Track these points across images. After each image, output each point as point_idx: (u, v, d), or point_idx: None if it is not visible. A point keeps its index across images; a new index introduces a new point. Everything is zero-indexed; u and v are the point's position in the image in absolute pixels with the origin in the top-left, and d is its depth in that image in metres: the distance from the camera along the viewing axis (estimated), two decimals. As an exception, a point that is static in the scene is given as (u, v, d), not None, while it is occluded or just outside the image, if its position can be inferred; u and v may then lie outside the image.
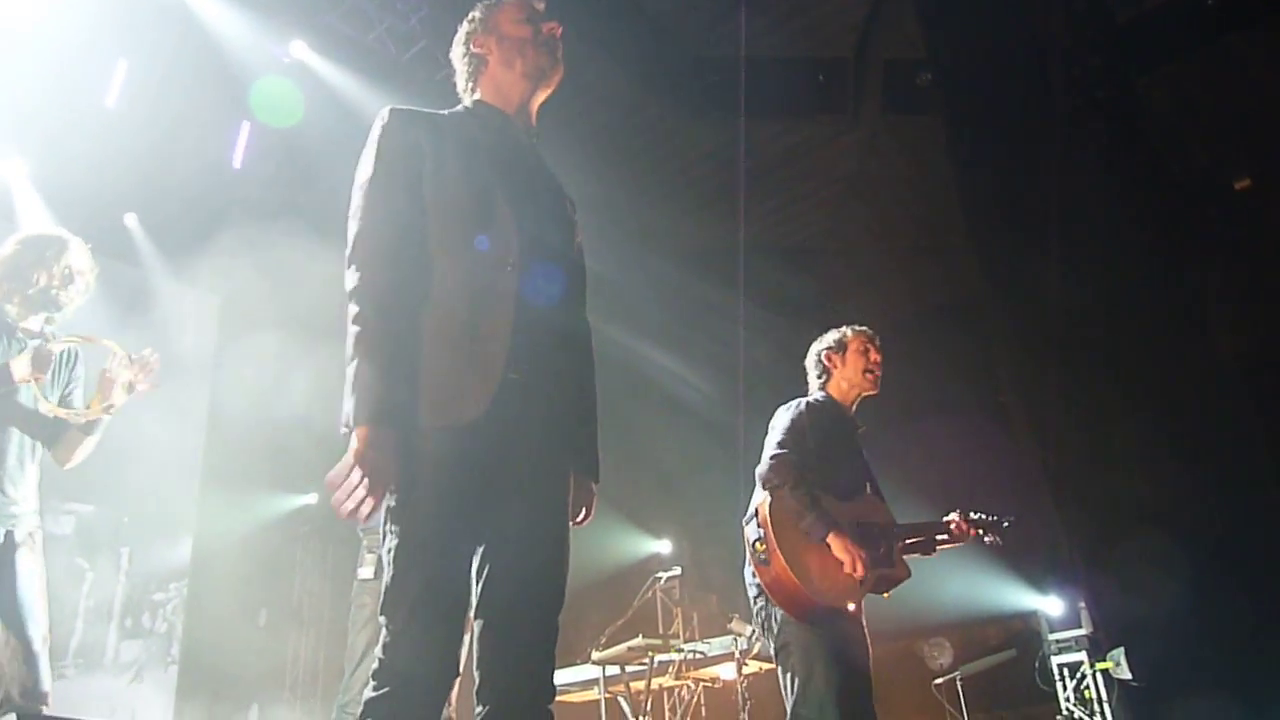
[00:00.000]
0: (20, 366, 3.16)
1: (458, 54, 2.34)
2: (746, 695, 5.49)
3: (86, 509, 5.72)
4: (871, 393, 3.72)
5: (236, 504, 6.79)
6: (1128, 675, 6.13)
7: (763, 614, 3.33)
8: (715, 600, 7.40)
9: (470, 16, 2.34)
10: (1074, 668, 6.56)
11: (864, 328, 3.80)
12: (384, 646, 1.86)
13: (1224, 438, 6.01)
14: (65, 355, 3.46)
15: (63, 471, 3.45)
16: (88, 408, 3.35)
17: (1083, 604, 6.73)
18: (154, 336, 6.12)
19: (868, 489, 3.60)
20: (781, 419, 3.49)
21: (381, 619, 1.87)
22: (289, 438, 6.53)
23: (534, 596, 1.99)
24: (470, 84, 2.31)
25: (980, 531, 3.71)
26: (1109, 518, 6.18)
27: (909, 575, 3.46)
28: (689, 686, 6.18)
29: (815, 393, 3.70)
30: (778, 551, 3.18)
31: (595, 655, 5.40)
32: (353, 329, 1.96)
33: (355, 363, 1.92)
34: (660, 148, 7.91)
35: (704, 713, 6.41)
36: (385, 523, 1.92)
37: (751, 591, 3.40)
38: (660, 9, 7.12)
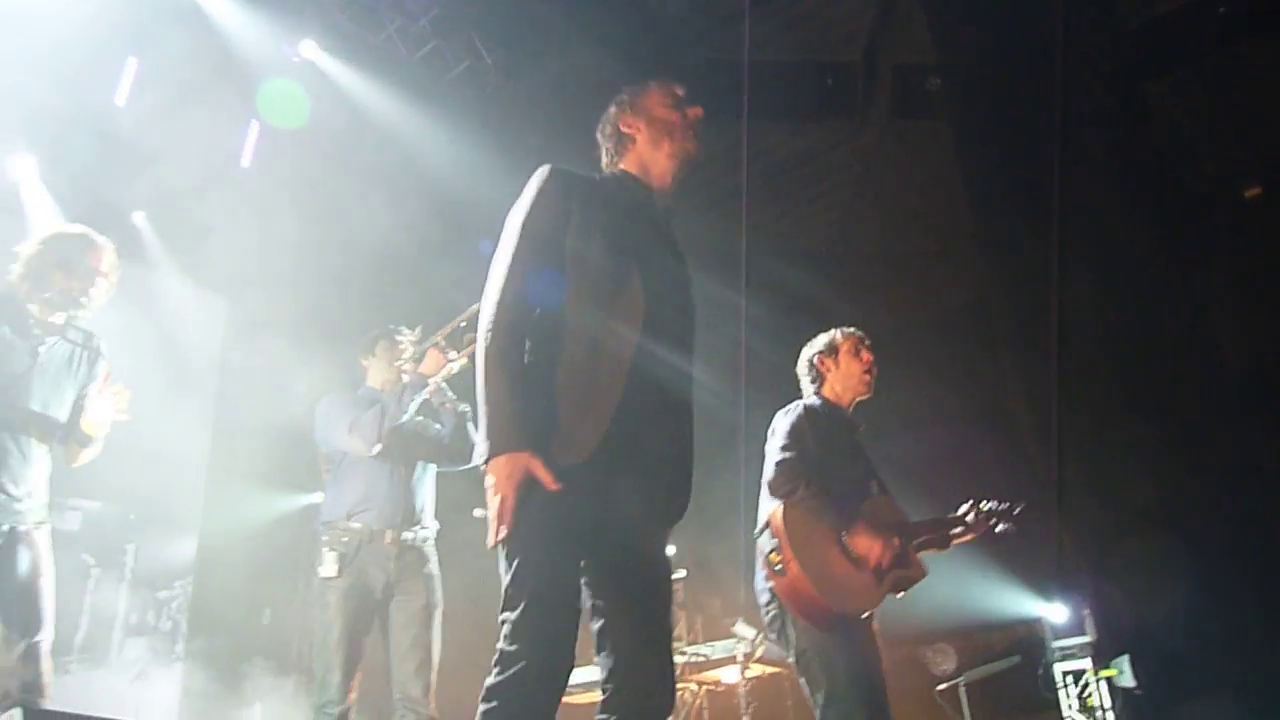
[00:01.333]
0: None
1: (605, 131, 2.55)
2: (749, 698, 5.49)
3: (93, 505, 5.74)
4: (866, 396, 3.71)
5: (242, 502, 6.80)
6: (1131, 683, 6.12)
7: (777, 622, 3.33)
8: (719, 603, 7.40)
9: (618, 99, 2.56)
10: (1077, 675, 6.53)
11: (854, 330, 3.80)
12: (505, 637, 2.06)
13: (1227, 444, 6.01)
14: (84, 354, 3.48)
15: (66, 469, 3.48)
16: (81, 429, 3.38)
17: (1087, 611, 6.71)
18: (161, 335, 6.16)
19: (875, 488, 3.58)
20: (781, 424, 3.49)
21: (504, 614, 2.08)
22: (295, 437, 6.54)
23: (655, 612, 2.22)
24: (615, 159, 2.52)
25: (994, 521, 3.71)
26: (1113, 523, 6.18)
27: (925, 574, 3.45)
28: (692, 690, 6.19)
29: (811, 397, 3.70)
30: (794, 560, 3.17)
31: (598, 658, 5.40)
32: (482, 379, 2.18)
33: (486, 409, 2.16)
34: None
35: (706, 716, 6.40)
36: (505, 544, 2.13)
37: (763, 599, 3.40)
38: (669, 11, 7.13)
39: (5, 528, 3.18)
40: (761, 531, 3.34)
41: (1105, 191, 6.33)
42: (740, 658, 5.50)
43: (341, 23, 6.49)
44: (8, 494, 3.20)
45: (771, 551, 3.24)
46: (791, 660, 3.34)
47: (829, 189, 8.61)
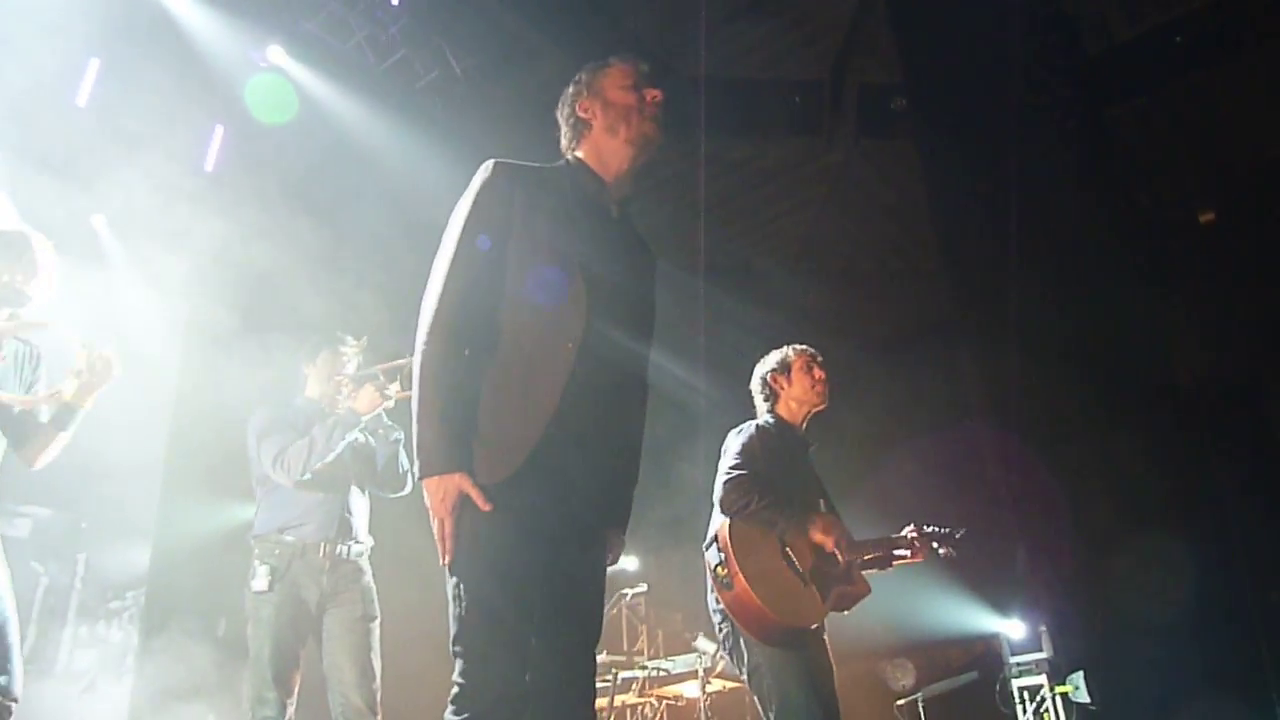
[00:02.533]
0: None
1: (563, 114, 2.41)
2: (710, 713, 5.48)
3: (44, 512, 5.62)
4: (821, 407, 3.76)
5: (197, 513, 6.68)
6: (1086, 699, 6.19)
7: (729, 640, 3.34)
8: (680, 618, 7.40)
9: (577, 78, 2.43)
10: (1034, 691, 6.61)
11: (805, 347, 3.85)
12: (460, 674, 1.99)
13: (1184, 461, 6.12)
14: (26, 352, 3.40)
15: (17, 474, 3.37)
16: (67, 402, 3.28)
17: (1043, 627, 6.79)
18: (118, 340, 6.04)
19: (822, 506, 3.62)
20: (733, 444, 3.53)
21: (456, 647, 2.01)
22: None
23: (577, 632, 2.16)
24: (573, 144, 2.39)
25: (935, 545, 3.75)
26: (1071, 540, 6.25)
27: (869, 591, 3.47)
28: (652, 704, 6.17)
29: (764, 415, 3.74)
30: (739, 574, 3.18)
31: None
32: (415, 389, 2.10)
33: (416, 424, 2.07)
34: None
35: (666, 730, 6.39)
36: (450, 569, 2.07)
37: (716, 617, 3.41)
38: (635, 26, 7.16)
39: None
40: (709, 546, 3.36)
41: (1066, 213, 6.43)
42: (701, 672, 5.50)
43: (309, 29, 6.44)
44: None
45: (718, 565, 3.25)
46: (744, 677, 3.35)
47: (794, 206, 8.68)
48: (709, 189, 8.10)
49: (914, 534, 3.74)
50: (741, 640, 3.27)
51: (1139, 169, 7.69)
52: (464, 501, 2.03)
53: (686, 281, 7.70)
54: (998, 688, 6.80)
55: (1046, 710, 6.45)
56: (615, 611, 6.20)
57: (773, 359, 3.81)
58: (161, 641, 5.87)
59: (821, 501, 3.64)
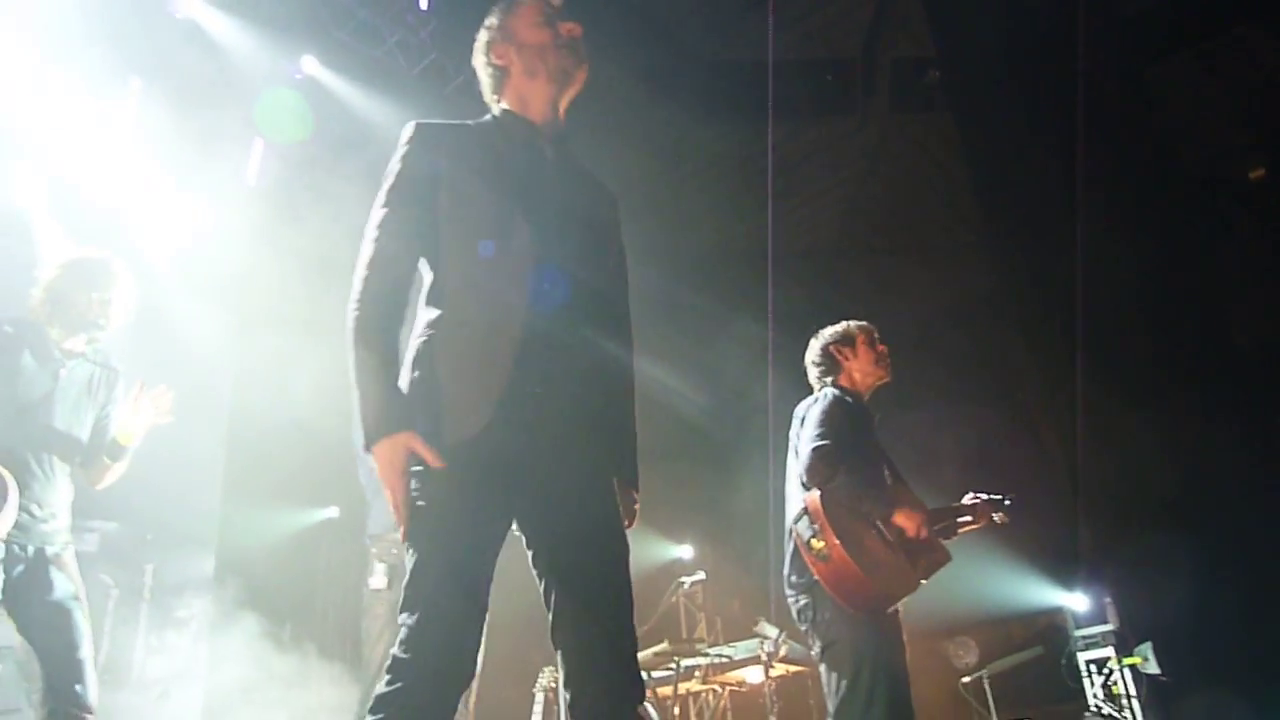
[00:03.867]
0: None
1: (479, 63, 2.30)
2: (774, 698, 5.46)
3: (110, 526, 5.73)
4: (886, 380, 3.76)
5: (258, 519, 6.81)
6: (1156, 670, 6.09)
7: (809, 612, 3.34)
8: (738, 604, 7.39)
9: (487, 23, 2.31)
10: (1101, 663, 6.51)
11: (864, 323, 3.85)
12: (400, 643, 1.88)
13: (1243, 428, 5.98)
14: (104, 375, 3.51)
15: (83, 491, 3.50)
16: (114, 438, 3.41)
17: (1108, 599, 6.68)
18: (175, 353, 6.15)
19: (888, 477, 3.62)
20: (813, 413, 3.51)
21: (401, 617, 1.90)
22: (309, 452, 6.54)
23: (595, 556, 2.01)
24: (495, 95, 2.28)
25: (992, 511, 3.75)
26: (1131, 511, 6.15)
27: (950, 558, 3.48)
28: (715, 691, 6.16)
29: (829, 387, 3.71)
30: (838, 544, 3.18)
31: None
32: (350, 359, 2.00)
33: (356, 395, 1.98)
34: (667, 152, 7.92)
35: (730, 717, 6.38)
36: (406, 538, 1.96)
37: (794, 591, 3.42)
38: (666, 12, 7.13)
39: (31, 550, 3.20)
40: (799, 519, 3.34)
41: (1109, 177, 6.31)
42: (764, 657, 5.47)
43: (341, 38, 6.50)
44: (33, 515, 3.22)
45: (813, 537, 3.24)
46: (817, 651, 3.35)
47: (831, 186, 8.61)
48: (741, 175, 8.07)
49: (975, 500, 3.75)
50: (826, 614, 3.27)
51: (1182, 128, 7.51)
52: (418, 466, 1.93)
53: (744, 269, 7.67)
54: (1064, 661, 6.71)
55: (1115, 682, 6.35)
56: (674, 600, 6.18)
57: (834, 331, 3.81)
58: (230, 646, 5.98)
59: (887, 471, 3.64)
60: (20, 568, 3.17)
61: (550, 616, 2.01)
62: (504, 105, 2.26)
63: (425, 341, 2.05)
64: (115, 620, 5.62)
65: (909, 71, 7.71)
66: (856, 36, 7.47)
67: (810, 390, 3.77)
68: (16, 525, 3.14)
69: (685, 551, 8.12)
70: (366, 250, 2.06)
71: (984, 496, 3.77)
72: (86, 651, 3.18)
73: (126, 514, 5.77)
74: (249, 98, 6.38)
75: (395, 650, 1.89)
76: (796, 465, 3.50)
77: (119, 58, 5.83)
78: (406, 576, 1.93)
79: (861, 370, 3.71)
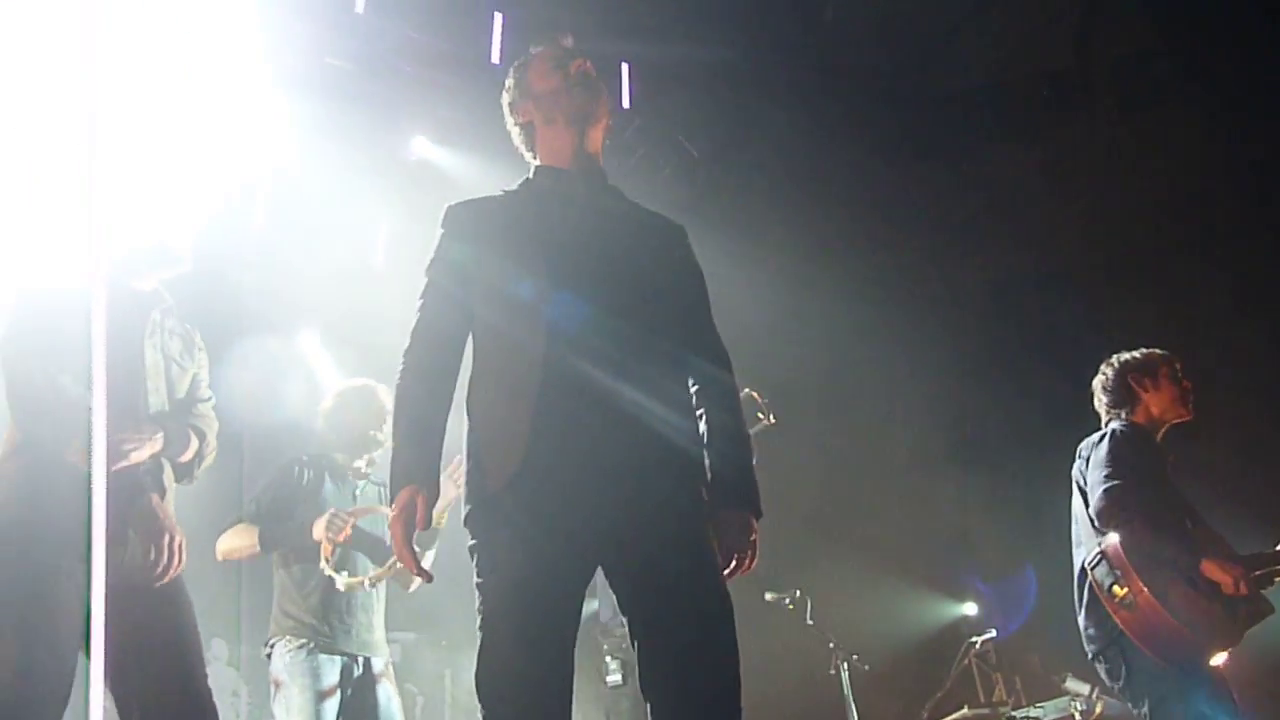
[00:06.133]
0: (317, 529, 3.49)
1: (508, 127, 2.38)
2: (1098, 760, 4.98)
3: (409, 636, 6.13)
4: (1186, 419, 3.45)
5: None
6: None
7: (1119, 669, 3.06)
8: (1037, 659, 6.85)
9: (506, 85, 2.37)
10: None
11: (1165, 351, 3.53)
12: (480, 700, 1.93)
13: None
14: (387, 493, 3.83)
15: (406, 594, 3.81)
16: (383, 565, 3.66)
17: None
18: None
19: (1188, 524, 3.30)
20: (1101, 449, 3.26)
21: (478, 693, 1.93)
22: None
23: (678, 607, 1.93)
24: (529, 151, 2.34)
25: None
26: None
27: (1273, 610, 3.11)
28: (1028, 757, 5.70)
29: (1119, 420, 3.43)
30: (1144, 590, 2.93)
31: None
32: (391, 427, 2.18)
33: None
34: (876, 191, 7.74)
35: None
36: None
37: (1097, 644, 3.16)
38: (849, 59, 7.05)
39: (361, 659, 3.48)
40: (1096, 564, 3.08)
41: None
42: (1077, 716, 5.02)
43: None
44: (365, 627, 3.52)
45: (1114, 584, 2.98)
46: (1144, 713, 3.03)
47: (1066, 202, 8.11)
48: (961, 208, 7.79)
49: None
50: (1139, 668, 2.98)
51: None
52: (474, 522, 2.02)
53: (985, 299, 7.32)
54: None
55: None
56: (966, 663, 5.83)
57: (1134, 359, 3.52)
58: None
59: (1188, 520, 3.31)
60: (354, 683, 3.44)
61: (637, 669, 1.96)
62: (536, 161, 2.32)
63: (466, 396, 2.15)
64: (424, 728, 5.96)
65: (1131, 69, 7.24)
66: (1067, 43, 7.10)
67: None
68: (351, 638, 3.43)
69: (969, 609, 7.68)
70: (412, 322, 2.20)
71: None
72: None
73: (423, 623, 6.14)
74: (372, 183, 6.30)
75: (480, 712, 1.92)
76: (1083, 506, 3.26)
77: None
78: (478, 644, 1.96)
79: (1160, 405, 3.43)
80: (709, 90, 6.82)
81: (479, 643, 1.97)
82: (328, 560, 3.45)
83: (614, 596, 2.04)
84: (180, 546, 2.44)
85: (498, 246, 2.17)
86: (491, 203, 2.28)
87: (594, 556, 2.02)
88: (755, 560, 2.13)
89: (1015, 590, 7.09)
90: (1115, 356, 3.56)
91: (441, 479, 3.55)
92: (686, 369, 2.23)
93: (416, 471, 2.05)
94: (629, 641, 2.02)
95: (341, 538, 3.44)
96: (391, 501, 2.05)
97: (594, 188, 2.26)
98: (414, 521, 2.00)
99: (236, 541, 3.66)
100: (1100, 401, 3.54)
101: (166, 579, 2.42)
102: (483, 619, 1.97)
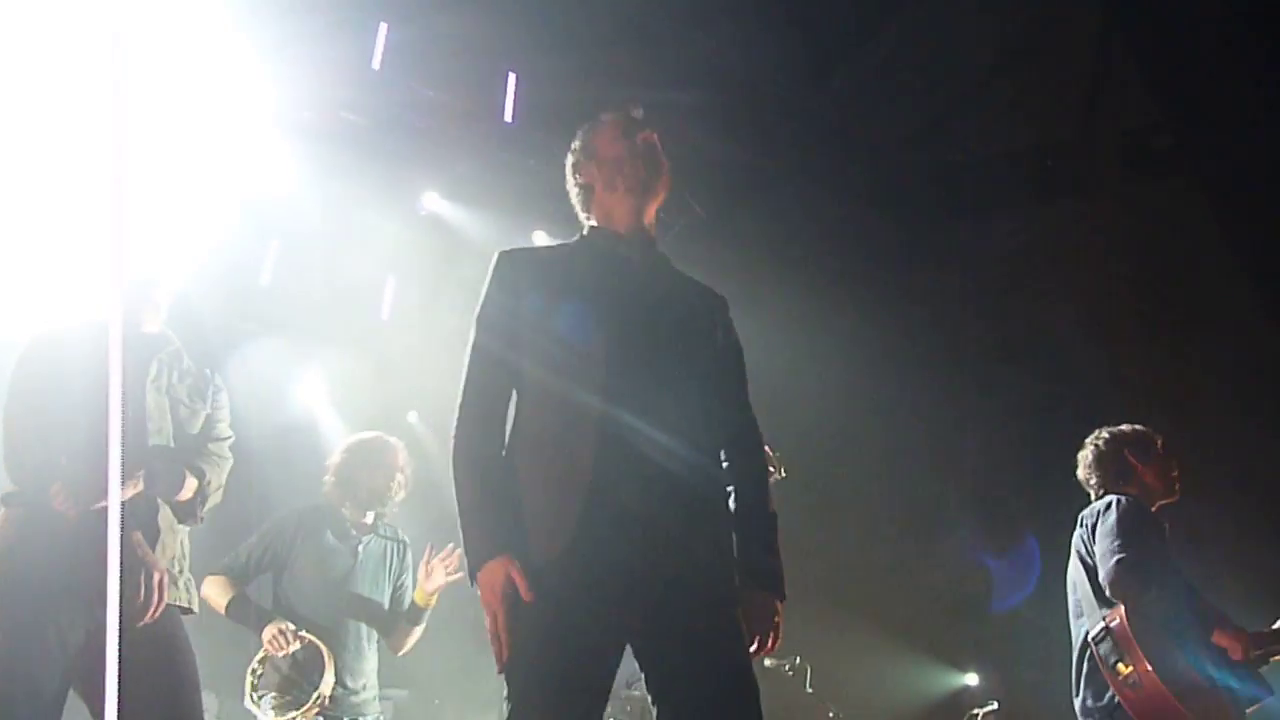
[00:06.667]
0: (265, 634, 3.51)
1: (569, 185, 2.38)
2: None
3: (401, 694, 6.02)
4: (1173, 501, 3.45)
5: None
6: None
7: None
8: (1045, 734, 6.72)
9: (572, 146, 2.40)
10: None
11: (1154, 432, 3.55)
12: None
13: None
14: (395, 548, 3.81)
15: (397, 657, 3.75)
16: (413, 603, 3.64)
17: None
18: (447, 517, 6.52)
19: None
20: (1108, 519, 3.23)
21: None
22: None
23: (711, 696, 1.91)
24: (585, 212, 2.36)
25: None
26: None
27: (1272, 693, 3.08)
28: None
29: (1117, 494, 3.41)
30: (1149, 670, 2.87)
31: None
32: (454, 484, 2.06)
33: (460, 518, 2.02)
34: (886, 259, 7.80)
35: None
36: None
37: (1093, 716, 3.11)
38: (862, 126, 7.16)
39: None
40: (1100, 639, 3.03)
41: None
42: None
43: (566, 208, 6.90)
44: (346, 687, 3.47)
45: (1118, 661, 2.92)
46: None
47: (1071, 271, 8.15)
48: (966, 278, 7.83)
49: None
50: None
51: None
52: (515, 590, 1.90)
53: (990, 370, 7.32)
54: None
55: None
56: (968, 734, 5.72)
57: (1129, 433, 3.52)
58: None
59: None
60: None
61: None
62: (591, 222, 2.33)
63: (506, 459, 2.07)
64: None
65: (1135, 140, 7.34)
66: (1071, 115, 7.20)
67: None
68: (332, 698, 3.36)
69: (970, 679, 7.55)
70: (463, 377, 2.15)
71: None
72: None
73: (413, 681, 6.04)
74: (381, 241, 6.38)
75: None
76: (1084, 575, 3.23)
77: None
78: (506, 704, 1.89)
79: (1154, 479, 3.42)
80: (716, 151, 6.91)
81: (507, 712, 1.92)
82: (253, 694, 3.44)
83: (633, 664, 2.01)
84: (160, 584, 2.40)
85: (552, 299, 2.16)
86: (546, 254, 2.32)
87: (632, 632, 2.00)
88: (778, 642, 2.14)
89: (1020, 561, 6.98)
90: (1106, 430, 3.54)
91: (434, 563, 3.56)
92: (724, 444, 2.24)
93: (509, 541, 1.97)
94: (631, 705, 2.01)
95: (282, 654, 3.40)
96: (472, 572, 1.98)
97: (650, 256, 2.29)
98: (517, 599, 1.91)
99: (210, 592, 3.63)
100: (1092, 474, 3.51)
101: (149, 618, 2.39)
102: (517, 689, 1.92)
